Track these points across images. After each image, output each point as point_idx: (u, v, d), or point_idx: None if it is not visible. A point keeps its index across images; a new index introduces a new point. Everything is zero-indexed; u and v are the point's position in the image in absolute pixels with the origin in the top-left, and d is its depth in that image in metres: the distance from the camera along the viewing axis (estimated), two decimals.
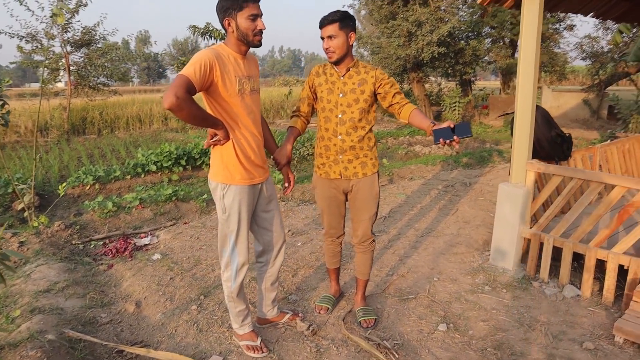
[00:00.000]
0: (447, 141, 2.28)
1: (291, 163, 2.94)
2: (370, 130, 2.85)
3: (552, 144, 3.74)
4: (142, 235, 4.98)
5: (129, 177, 6.98)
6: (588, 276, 3.41)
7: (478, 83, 16.83)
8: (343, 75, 2.77)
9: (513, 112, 11.94)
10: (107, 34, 12.80)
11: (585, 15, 4.98)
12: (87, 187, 6.54)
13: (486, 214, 5.40)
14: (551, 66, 14.93)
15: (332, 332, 3.00)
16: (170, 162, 7.26)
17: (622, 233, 3.69)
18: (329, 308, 3.22)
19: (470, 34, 13.18)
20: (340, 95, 2.76)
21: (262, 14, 2.42)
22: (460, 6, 12.45)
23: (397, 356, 2.71)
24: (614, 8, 4.93)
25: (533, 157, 3.81)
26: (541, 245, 3.71)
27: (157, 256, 4.33)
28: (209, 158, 7.49)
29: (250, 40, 2.42)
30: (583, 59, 13.77)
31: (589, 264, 3.39)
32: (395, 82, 2.82)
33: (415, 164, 8.22)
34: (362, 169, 2.84)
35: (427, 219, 5.27)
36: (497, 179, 7.05)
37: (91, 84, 12.89)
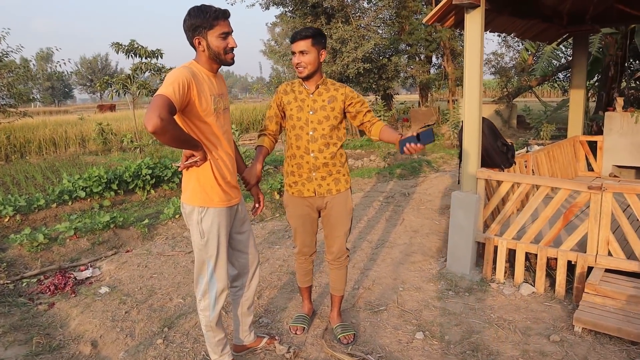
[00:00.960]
0: (412, 145, 2.36)
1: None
2: (342, 146, 2.87)
3: (498, 152, 4.00)
4: (82, 267, 4.59)
5: (54, 205, 6.42)
6: (541, 274, 3.66)
7: (397, 97, 17.60)
8: (312, 93, 2.77)
9: (433, 124, 12.68)
10: (12, 51, 11.80)
11: (508, 34, 5.43)
12: (7, 220, 5.92)
13: (431, 222, 5.62)
14: (461, 80, 16.05)
15: (313, 352, 2.94)
16: (100, 187, 6.78)
17: (562, 231, 4.01)
18: (304, 328, 3.16)
19: (390, 51, 13.79)
20: (311, 112, 2.75)
21: (232, 31, 2.36)
22: (380, 25, 13.00)
23: None
24: (531, 29, 5.42)
25: (482, 166, 4.04)
26: (495, 248, 3.93)
27: (104, 289, 4.00)
28: (142, 181, 7.15)
29: (222, 59, 2.35)
30: (492, 73, 14.93)
31: (541, 262, 3.65)
32: (364, 100, 2.88)
33: (352, 177, 8.38)
34: (336, 185, 2.85)
35: (377, 230, 5.37)
36: (432, 188, 7.39)
37: None
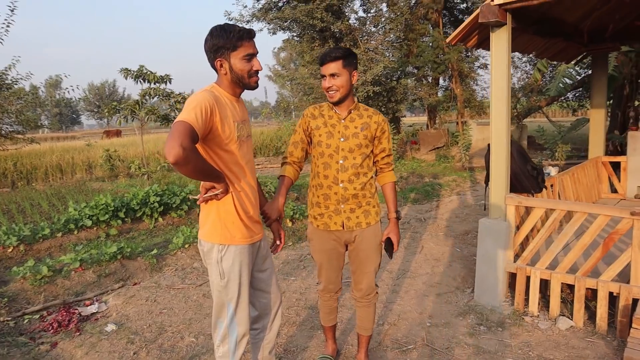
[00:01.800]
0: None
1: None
2: (372, 176, 2.67)
3: (528, 177, 3.78)
4: (87, 302, 4.35)
5: (59, 234, 6.22)
6: (579, 306, 3.40)
7: (403, 119, 17.53)
8: (344, 118, 2.58)
9: (443, 146, 12.42)
10: (21, 78, 11.80)
11: (528, 54, 5.27)
12: (10, 250, 5.72)
13: (452, 249, 5.38)
14: (469, 102, 15.94)
15: None
16: (107, 216, 6.59)
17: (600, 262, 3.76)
18: None
19: (398, 74, 13.72)
20: (342, 139, 2.55)
21: (257, 52, 2.19)
22: (388, 47, 12.97)
23: None
24: (551, 48, 5.27)
25: (510, 191, 3.83)
26: (527, 278, 3.68)
27: (110, 327, 3.77)
28: (150, 208, 6.96)
29: (246, 83, 2.17)
30: None
31: (580, 294, 3.39)
32: (390, 137, 2.71)
33: None
34: (366, 218, 2.63)
35: (396, 259, 5.13)
36: (448, 213, 7.16)
37: (2, 132, 11.71)
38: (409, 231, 6.18)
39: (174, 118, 8.38)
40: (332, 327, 3.02)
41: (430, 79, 15.64)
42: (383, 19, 12.51)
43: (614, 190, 6.12)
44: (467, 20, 3.64)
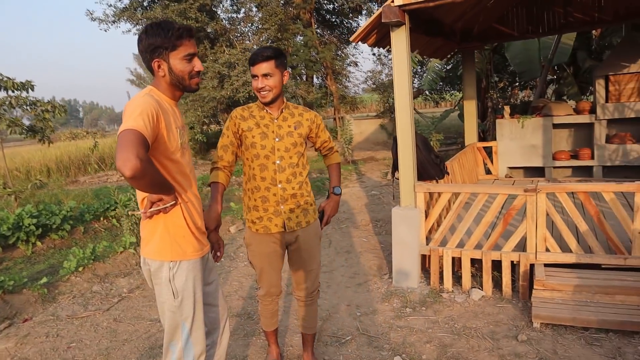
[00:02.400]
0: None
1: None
2: (307, 175, 2.68)
3: (433, 165, 4.11)
4: None
5: None
6: (487, 277, 3.79)
7: None
8: (277, 118, 2.55)
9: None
10: None
11: (413, 51, 5.70)
12: None
13: (360, 240, 5.62)
14: (344, 98, 16.73)
15: None
16: None
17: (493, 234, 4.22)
18: None
19: None
20: (277, 139, 2.53)
21: (197, 52, 2.07)
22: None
23: None
24: (432, 45, 5.77)
25: (418, 179, 4.12)
26: (440, 258, 4.00)
27: None
28: (25, 233, 6.15)
29: (187, 85, 2.03)
30: (373, 90, 15.75)
31: (487, 266, 3.79)
32: (324, 126, 2.76)
33: None
34: (305, 217, 2.64)
35: None
36: (344, 205, 7.45)
37: None
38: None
39: (42, 129, 7.48)
40: (275, 331, 2.98)
41: (304, 77, 16.05)
42: (257, 19, 12.51)
43: (488, 172, 6.91)
44: (369, 20, 3.82)
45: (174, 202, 1.97)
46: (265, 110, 2.55)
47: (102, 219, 7.37)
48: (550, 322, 3.18)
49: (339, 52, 16.42)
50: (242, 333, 3.53)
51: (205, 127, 12.42)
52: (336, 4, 15.93)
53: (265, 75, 2.42)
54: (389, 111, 14.62)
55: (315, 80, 17.77)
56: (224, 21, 12.43)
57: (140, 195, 2.03)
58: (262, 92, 2.46)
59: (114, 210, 7.31)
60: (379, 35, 4.19)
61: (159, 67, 1.96)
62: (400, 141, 4.04)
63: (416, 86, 17.03)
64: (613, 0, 5.65)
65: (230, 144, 2.58)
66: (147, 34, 1.91)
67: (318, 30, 15.52)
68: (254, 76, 2.45)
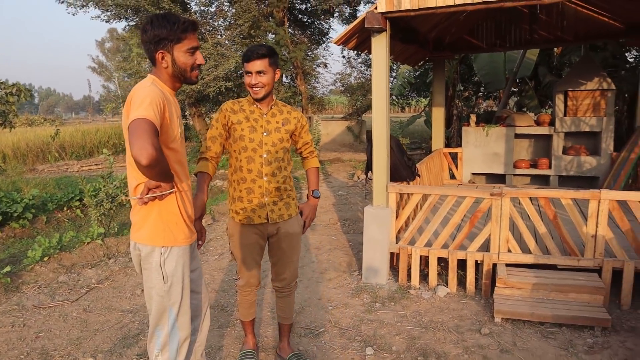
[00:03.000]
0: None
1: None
2: (290, 170, 2.79)
3: (405, 167, 4.29)
4: None
5: None
6: (453, 275, 4.00)
7: None
8: (266, 113, 2.65)
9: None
10: None
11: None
12: None
13: (329, 237, 5.75)
14: (312, 99, 16.86)
15: None
16: None
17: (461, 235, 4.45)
18: None
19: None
20: (265, 134, 2.63)
21: (200, 46, 2.14)
22: (236, 43, 12.96)
23: None
24: (405, 52, 5.97)
25: (390, 180, 4.29)
26: (408, 256, 4.18)
27: None
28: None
29: (188, 77, 2.11)
30: (342, 92, 15.95)
31: (453, 265, 3.99)
32: (308, 129, 2.89)
33: (224, 200, 8.10)
34: (287, 210, 2.75)
35: None
36: None
37: None
38: None
39: (5, 113, 7.22)
40: (252, 322, 3.06)
41: None
42: (230, 14, 12.45)
43: (452, 177, 7.20)
44: (352, 25, 3.96)
45: (172, 189, 2.04)
46: (255, 105, 2.64)
47: (65, 209, 7.20)
48: (511, 317, 3.41)
49: (309, 53, 16.54)
50: (217, 324, 3.58)
51: None
52: (309, 4, 16.06)
53: (259, 72, 2.51)
54: (356, 113, 14.85)
55: (284, 79, 17.84)
56: (197, 14, 12.30)
57: (133, 181, 2.08)
58: (254, 88, 2.55)
59: (79, 200, 7.16)
60: (359, 40, 4.34)
61: (162, 58, 2.02)
62: (375, 143, 4.20)
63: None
64: (574, 22, 6.05)
65: (218, 135, 2.66)
66: (152, 25, 1.97)
67: (290, 30, 15.59)
68: (247, 72, 2.54)
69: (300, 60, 14.26)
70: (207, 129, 12.79)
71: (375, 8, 3.78)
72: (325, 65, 17.50)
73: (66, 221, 6.94)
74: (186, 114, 14.02)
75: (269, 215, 2.68)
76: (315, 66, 17.14)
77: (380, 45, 4.00)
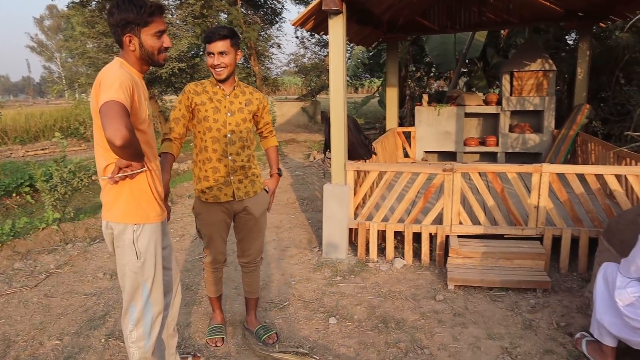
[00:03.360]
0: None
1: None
2: (254, 149, 2.88)
3: (362, 145, 4.44)
4: None
5: None
6: (408, 247, 4.23)
7: None
8: (229, 94, 2.71)
9: None
10: None
11: None
12: None
13: (288, 217, 5.87)
14: (266, 80, 16.75)
15: None
16: None
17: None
18: (223, 338, 3.06)
19: (200, 50, 13.55)
20: (228, 114, 2.70)
21: (167, 29, 2.18)
22: (187, 23, 12.64)
23: (318, 357, 2.85)
24: (360, 34, 6.09)
25: (348, 159, 4.43)
26: (366, 231, 4.37)
27: None
28: None
29: (155, 60, 2.15)
30: (296, 72, 15.93)
31: (409, 238, 4.21)
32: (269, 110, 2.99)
33: (178, 183, 8.04)
34: (253, 187, 2.84)
35: None
36: None
37: None
38: None
39: None
40: (219, 297, 3.16)
41: None
42: None
43: (406, 155, 7.45)
44: (309, 7, 4.03)
45: (143, 168, 2.09)
46: (218, 87, 2.69)
47: (14, 195, 6.94)
48: (463, 284, 3.66)
49: (263, 33, 16.35)
50: (184, 303, 3.64)
51: None
52: None
53: (221, 53, 2.56)
54: (310, 94, 14.90)
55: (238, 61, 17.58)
56: None
57: (103, 162, 2.12)
58: (217, 69, 2.60)
59: (29, 186, 6.91)
60: (316, 21, 4.41)
61: (129, 41, 2.05)
62: (333, 122, 4.32)
63: None
64: (520, 5, 6.35)
65: (182, 117, 2.71)
66: (119, 9, 1.99)
67: (242, 10, 15.33)
68: (209, 53, 2.58)
69: (254, 41, 14.11)
70: (160, 111, 12.43)
71: None
72: (279, 46, 17.39)
73: (16, 208, 6.70)
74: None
75: (235, 193, 2.77)
76: (268, 47, 17.00)
77: (337, 26, 4.10)
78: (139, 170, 2.06)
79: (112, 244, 2.21)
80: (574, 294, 3.52)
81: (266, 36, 16.55)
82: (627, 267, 2.49)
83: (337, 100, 4.25)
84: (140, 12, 2.00)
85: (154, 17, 2.05)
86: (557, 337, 2.96)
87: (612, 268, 2.61)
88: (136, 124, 2.05)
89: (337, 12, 4.00)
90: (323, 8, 3.88)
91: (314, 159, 10.13)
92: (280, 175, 3.01)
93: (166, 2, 13.16)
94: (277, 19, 17.67)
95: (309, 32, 18.36)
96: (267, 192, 2.97)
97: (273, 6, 17.22)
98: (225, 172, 2.72)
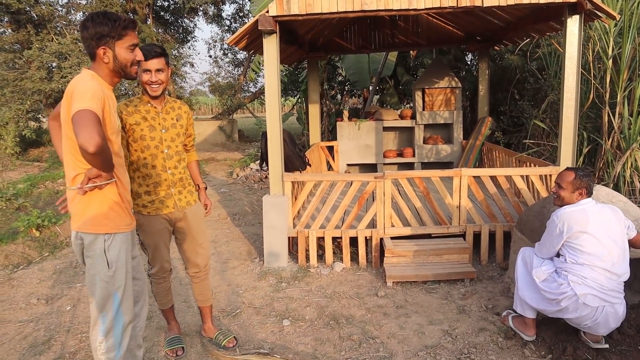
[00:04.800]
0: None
1: None
2: (187, 161, 3.05)
3: (297, 157, 4.66)
4: None
5: None
6: (346, 251, 4.50)
7: None
8: (161, 112, 2.81)
9: None
10: None
11: None
12: None
13: (222, 231, 5.92)
14: (180, 99, 16.50)
15: None
16: None
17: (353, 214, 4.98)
18: (183, 347, 3.08)
19: None
20: (163, 130, 2.80)
21: (139, 43, 2.27)
22: None
23: (280, 356, 2.99)
24: (285, 52, 6.36)
25: (285, 171, 4.64)
26: (306, 239, 4.58)
27: None
28: None
29: (128, 72, 2.22)
30: (212, 92, 15.85)
31: (346, 242, 4.49)
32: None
33: None
34: (192, 196, 2.98)
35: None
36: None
37: None
38: None
39: None
40: (172, 309, 3.18)
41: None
42: (90, 8, 11.63)
43: (330, 168, 7.80)
44: (244, 27, 4.21)
45: (112, 179, 2.14)
46: (149, 104, 2.78)
47: None
48: (400, 280, 4.00)
49: (175, 52, 16.12)
50: None
51: (22, 124, 10.99)
52: (172, 2, 15.65)
53: (158, 70, 2.67)
54: (227, 113, 14.90)
55: None
56: (52, 5, 11.28)
57: (72, 172, 2.14)
58: (153, 86, 2.70)
59: None
60: (249, 40, 4.60)
61: (104, 53, 2.12)
62: (270, 137, 4.50)
63: (253, 90, 17.68)
64: (427, 29, 7.05)
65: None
66: (93, 23, 2.06)
67: (153, 28, 15.04)
68: (146, 70, 2.66)
69: (171, 59, 13.89)
70: None
71: (267, 12, 4.09)
72: (192, 65, 17.25)
73: None
74: (38, 116, 12.75)
75: (177, 204, 2.87)
76: (181, 65, 16.77)
77: (271, 45, 4.32)
78: (108, 181, 2.11)
79: (81, 254, 2.22)
80: (495, 281, 4.00)
81: (179, 55, 16.33)
82: (540, 249, 2.95)
83: (273, 115, 4.45)
84: (114, 25, 2.09)
85: (127, 30, 2.14)
86: (487, 317, 3.37)
87: (529, 251, 3.07)
88: (107, 134, 2.11)
89: (271, 32, 4.23)
90: (259, 28, 4.09)
91: (237, 176, 10.16)
92: (206, 188, 3.21)
93: (72, 18, 12.59)
94: (189, 38, 17.54)
95: (222, 52, 18.41)
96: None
97: (184, 25, 17.07)
98: (166, 186, 2.82)
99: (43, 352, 3.15)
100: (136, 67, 2.24)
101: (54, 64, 10.55)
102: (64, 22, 11.67)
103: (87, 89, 1.95)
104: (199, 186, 3.14)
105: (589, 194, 2.80)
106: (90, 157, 1.85)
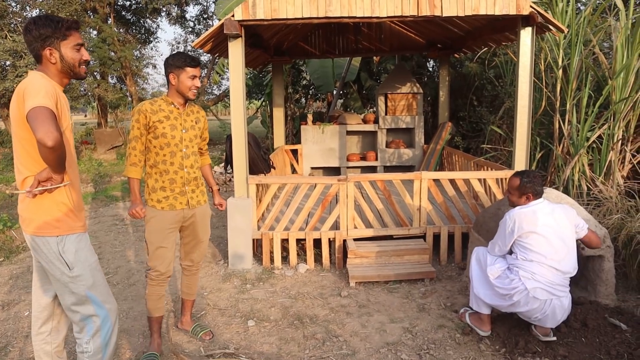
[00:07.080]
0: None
1: None
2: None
3: (262, 160, 4.70)
4: None
5: None
6: (310, 253, 4.57)
7: (75, 117, 16.23)
8: (183, 113, 2.97)
9: (122, 145, 12.67)
10: None
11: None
12: None
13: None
14: (141, 100, 16.19)
15: None
16: None
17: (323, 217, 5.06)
18: None
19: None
20: (184, 131, 2.95)
21: (84, 43, 2.28)
22: None
23: (244, 357, 3.02)
24: (250, 56, 6.40)
25: (249, 173, 4.67)
26: (270, 241, 4.62)
27: None
28: None
29: (77, 72, 2.23)
30: None
31: (309, 244, 4.56)
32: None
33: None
34: (203, 196, 3.13)
35: (138, 252, 5.27)
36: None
37: None
38: (132, 226, 6.29)
39: None
40: (160, 319, 3.08)
41: (98, 76, 14.98)
42: (47, 6, 11.28)
43: (294, 171, 7.86)
44: (210, 30, 4.22)
45: (63, 183, 2.12)
46: (173, 106, 2.93)
47: None
48: (362, 280, 4.10)
49: (137, 53, 15.83)
50: None
51: None
52: (134, 2, 15.37)
53: (197, 77, 2.89)
54: None
55: (111, 80, 16.70)
56: (6, 1, 10.87)
57: (20, 175, 2.13)
58: (193, 90, 2.90)
59: None
60: (215, 43, 4.62)
61: (50, 54, 2.13)
62: (234, 139, 4.53)
63: (217, 93, 17.54)
64: (389, 36, 7.23)
65: (140, 135, 2.88)
66: (36, 25, 2.09)
67: (114, 28, 14.72)
68: (193, 76, 2.86)
69: (130, 60, 13.62)
70: None
71: (233, 16, 4.12)
72: (154, 67, 16.97)
73: None
74: None
75: (190, 202, 3.00)
76: (143, 67, 16.47)
77: (236, 49, 4.35)
78: (59, 185, 2.10)
79: (38, 257, 2.20)
80: (454, 280, 4.16)
81: (141, 56, 16.06)
82: (493, 247, 3.11)
83: (238, 118, 4.49)
84: (58, 26, 2.11)
85: (71, 30, 2.16)
86: (446, 315, 3.51)
87: (482, 250, 3.22)
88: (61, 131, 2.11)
89: (236, 36, 4.27)
90: (225, 32, 4.11)
91: None
92: (219, 189, 3.31)
93: (28, 15, 12.16)
94: (152, 39, 17.25)
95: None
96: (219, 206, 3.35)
97: (146, 25, 16.79)
98: (181, 183, 2.96)
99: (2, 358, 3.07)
100: (84, 66, 2.25)
101: (8, 62, 10.20)
102: (19, 19, 11.27)
103: (40, 87, 1.96)
104: (212, 188, 3.30)
105: (536, 196, 2.97)
106: (48, 151, 1.86)
